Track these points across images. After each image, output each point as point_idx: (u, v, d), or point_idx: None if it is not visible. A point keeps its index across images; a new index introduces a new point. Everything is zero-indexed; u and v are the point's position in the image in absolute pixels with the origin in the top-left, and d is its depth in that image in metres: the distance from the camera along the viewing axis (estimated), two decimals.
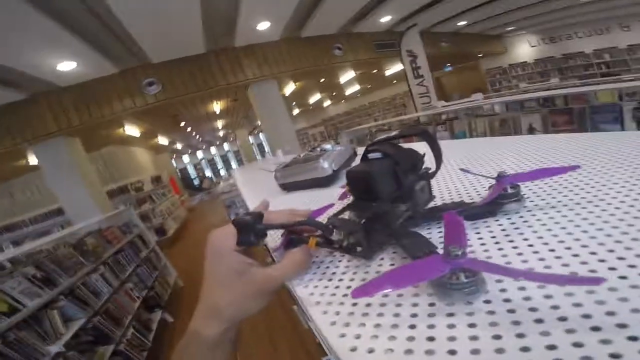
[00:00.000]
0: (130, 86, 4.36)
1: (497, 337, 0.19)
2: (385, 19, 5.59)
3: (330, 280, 0.32)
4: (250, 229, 0.29)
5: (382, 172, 0.34)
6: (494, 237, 0.30)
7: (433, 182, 0.40)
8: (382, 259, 0.33)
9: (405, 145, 0.41)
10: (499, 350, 0.18)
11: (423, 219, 0.37)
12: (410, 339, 0.21)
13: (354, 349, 0.22)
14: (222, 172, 17.08)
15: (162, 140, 9.27)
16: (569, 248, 0.25)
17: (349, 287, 0.30)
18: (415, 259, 0.28)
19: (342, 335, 0.23)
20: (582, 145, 0.50)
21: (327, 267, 0.35)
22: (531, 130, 2.83)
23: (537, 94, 3.04)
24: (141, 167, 8.35)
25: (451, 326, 0.21)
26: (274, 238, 0.46)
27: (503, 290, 0.22)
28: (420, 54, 5.83)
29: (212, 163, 17.86)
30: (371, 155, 0.38)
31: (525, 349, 0.18)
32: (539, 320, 0.19)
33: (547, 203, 0.34)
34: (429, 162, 0.38)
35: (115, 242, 2.91)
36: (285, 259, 0.33)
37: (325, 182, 0.78)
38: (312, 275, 0.35)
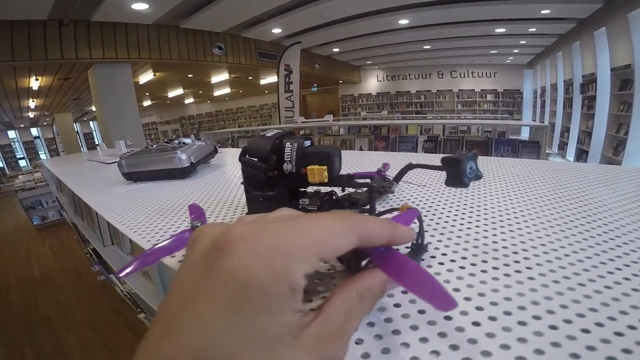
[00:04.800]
0: None
1: None
2: (276, 30, 5.98)
3: None
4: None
5: None
6: None
7: None
8: None
9: None
10: None
11: None
12: None
13: None
14: (23, 164, 13.24)
15: None
16: None
17: None
18: None
19: None
20: (389, 158, 0.78)
21: None
22: (361, 150, 3.85)
23: (369, 122, 4.16)
24: None
25: None
26: None
27: None
28: (295, 70, 6.42)
29: (7, 151, 13.48)
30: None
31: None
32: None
33: None
34: None
35: None
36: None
37: (180, 173, 0.80)
38: None
